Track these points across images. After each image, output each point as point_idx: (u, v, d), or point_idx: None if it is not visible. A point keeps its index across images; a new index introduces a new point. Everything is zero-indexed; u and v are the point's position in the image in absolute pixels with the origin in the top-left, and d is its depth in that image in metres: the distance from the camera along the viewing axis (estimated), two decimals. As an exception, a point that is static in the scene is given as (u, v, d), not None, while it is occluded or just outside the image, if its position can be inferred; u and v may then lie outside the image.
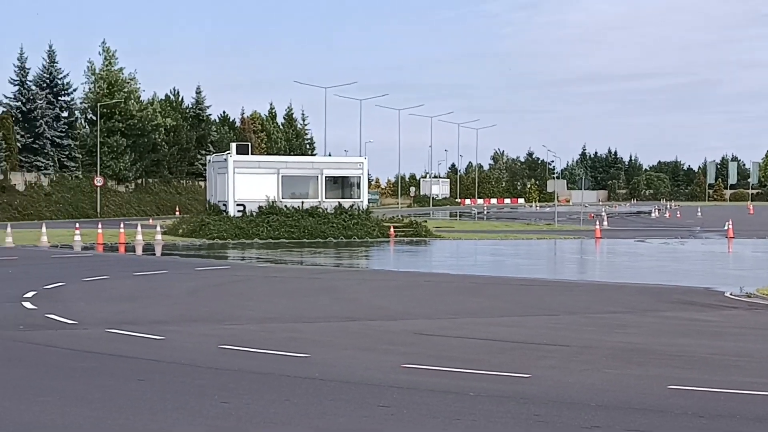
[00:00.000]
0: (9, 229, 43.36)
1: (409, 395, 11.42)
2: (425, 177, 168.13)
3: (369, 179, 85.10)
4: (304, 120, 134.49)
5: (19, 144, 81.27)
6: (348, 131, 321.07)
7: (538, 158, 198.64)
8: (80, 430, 9.61)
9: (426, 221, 60.32)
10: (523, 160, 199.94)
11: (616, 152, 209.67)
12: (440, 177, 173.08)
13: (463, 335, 16.64)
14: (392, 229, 52.25)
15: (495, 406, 10.88)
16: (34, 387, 11.91)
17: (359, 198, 54.07)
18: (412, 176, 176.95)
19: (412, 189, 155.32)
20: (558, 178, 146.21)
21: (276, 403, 10.98)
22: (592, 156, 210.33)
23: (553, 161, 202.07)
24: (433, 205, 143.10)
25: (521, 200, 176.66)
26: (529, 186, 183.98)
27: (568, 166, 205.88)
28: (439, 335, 16.67)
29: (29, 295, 22.18)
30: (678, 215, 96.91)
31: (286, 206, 51.66)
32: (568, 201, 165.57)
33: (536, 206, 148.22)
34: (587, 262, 38.01)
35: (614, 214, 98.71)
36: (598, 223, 63.89)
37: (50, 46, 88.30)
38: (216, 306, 21.20)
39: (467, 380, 12.36)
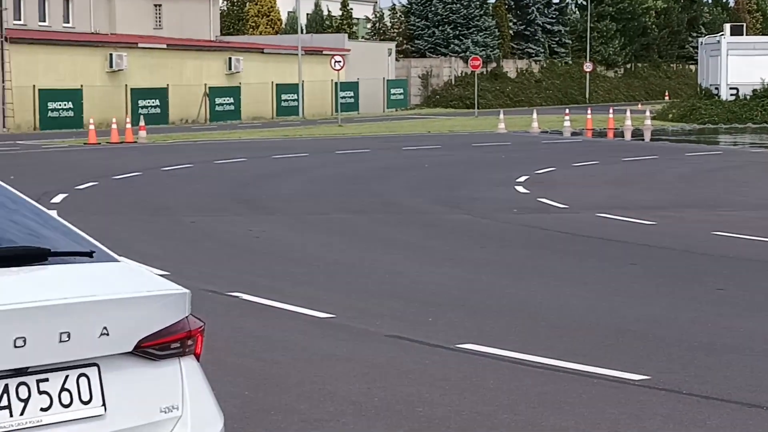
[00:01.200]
0: (501, 116, 44.64)
1: None
2: None
3: None
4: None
5: (511, 31, 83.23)
6: None
7: None
8: (574, 311, 9.72)
9: None
10: None
11: None
12: None
13: None
14: None
15: None
16: (529, 266, 12.24)
17: None
18: None
19: None
20: None
21: (774, 292, 10.57)
22: None
23: None
24: None
25: None
26: None
27: None
28: None
29: (521, 179, 22.74)
30: None
31: (782, 89, 49.18)
32: None
33: None
34: None
35: None
36: None
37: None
38: (708, 192, 20.73)
39: None
